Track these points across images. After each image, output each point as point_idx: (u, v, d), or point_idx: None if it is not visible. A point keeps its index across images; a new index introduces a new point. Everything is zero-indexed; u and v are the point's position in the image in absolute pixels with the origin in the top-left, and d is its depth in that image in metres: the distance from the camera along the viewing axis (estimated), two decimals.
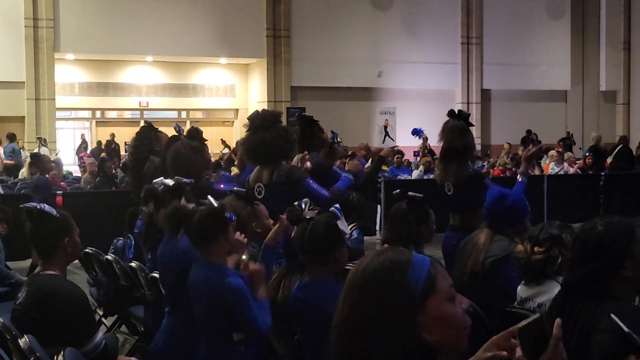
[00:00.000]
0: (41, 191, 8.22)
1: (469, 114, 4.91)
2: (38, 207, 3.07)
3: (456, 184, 4.72)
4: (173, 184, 3.69)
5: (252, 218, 3.47)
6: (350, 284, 1.46)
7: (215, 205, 3.04)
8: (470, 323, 1.47)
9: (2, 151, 16.47)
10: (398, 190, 3.88)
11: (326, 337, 2.91)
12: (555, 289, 3.08)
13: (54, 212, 3.09)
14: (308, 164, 4.58)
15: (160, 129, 5.87)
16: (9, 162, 15.56)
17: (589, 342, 2.19)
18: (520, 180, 4.43)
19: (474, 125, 4.94)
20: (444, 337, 1.41)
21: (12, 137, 16.66)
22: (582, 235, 2.37)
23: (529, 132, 21.38)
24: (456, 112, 4.82)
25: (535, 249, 3.09)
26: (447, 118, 4.89)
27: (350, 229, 4.66)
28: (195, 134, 4.77)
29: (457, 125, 4.74)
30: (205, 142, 4.82)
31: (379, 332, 1.39)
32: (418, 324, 1.39)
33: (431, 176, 12.01)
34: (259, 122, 4.26)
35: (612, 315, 1.70)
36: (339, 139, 5.44)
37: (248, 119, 4.41)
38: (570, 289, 2.38)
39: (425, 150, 15.51)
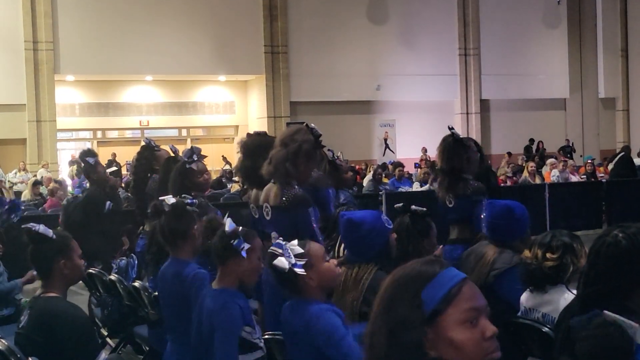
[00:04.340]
0: None
1: (452, 128, 4.88)
2: (33, 228, 3.02)
3: (458, 196, 4.71)
4: (175, 203, 3.65)
5: None
6: (382, 285, 1.50)
7: (227, 229, 2.97)
8: (495, 349, 1.43)
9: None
10: (401, 204, 3.82)
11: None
12: (561, 298, 3.07)
13: (50, 233, 3.03)
14: None
15: (161, 146, 5.95)
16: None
17: None
18: None
19: (462, 139, 4.83)
20: (454, 358, 1.39)
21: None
22: (606, 251, 2.29)
23: (531, 140, 21.38)
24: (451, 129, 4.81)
25: (548, 255, 3.08)
26: (446, 129, 4.90)
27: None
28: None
29: (443, 144, 4.75)
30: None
31: (386, 341, 1.40)
32: (423, 340, 1.38)
33: (430, 187, 12.00)
34: (254, 149, 4.33)
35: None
36: (337, 155, 5.43)
37: (242, 146, 4.47)
38: (589, 302, 2.34)
39: (426, 162, 15.54)
